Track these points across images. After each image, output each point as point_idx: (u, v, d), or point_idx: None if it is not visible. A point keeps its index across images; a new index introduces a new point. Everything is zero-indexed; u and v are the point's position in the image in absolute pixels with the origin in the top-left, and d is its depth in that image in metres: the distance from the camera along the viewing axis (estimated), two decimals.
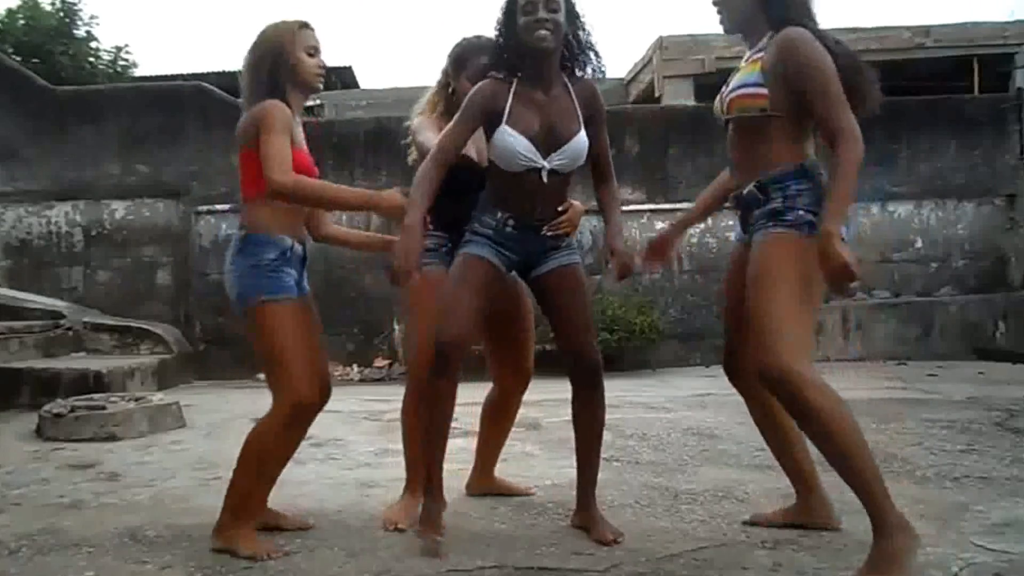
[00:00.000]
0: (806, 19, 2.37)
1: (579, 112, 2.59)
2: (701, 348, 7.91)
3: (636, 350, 7.22)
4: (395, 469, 3.45)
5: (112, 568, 2.46)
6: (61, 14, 14.91)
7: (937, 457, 3.62)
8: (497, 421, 3.10)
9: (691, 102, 10.91)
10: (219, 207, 7.81)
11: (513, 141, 2.51)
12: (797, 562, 2.35)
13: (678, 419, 4.66)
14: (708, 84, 12.27)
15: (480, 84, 2.59)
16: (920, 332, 7.93)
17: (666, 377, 6.94)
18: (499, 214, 2.58)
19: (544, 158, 2.53)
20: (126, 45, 24.12)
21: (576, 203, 2.69)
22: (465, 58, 2.88)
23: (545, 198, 2.58)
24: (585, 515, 2.67)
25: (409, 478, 2.91)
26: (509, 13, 2.56)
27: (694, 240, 8.00)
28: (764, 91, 2.32)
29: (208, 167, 7.82)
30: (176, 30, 48.69)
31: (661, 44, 12.72)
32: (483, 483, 3.14)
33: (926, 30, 12.41)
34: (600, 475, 3.07)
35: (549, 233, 2.61)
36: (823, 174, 2.30)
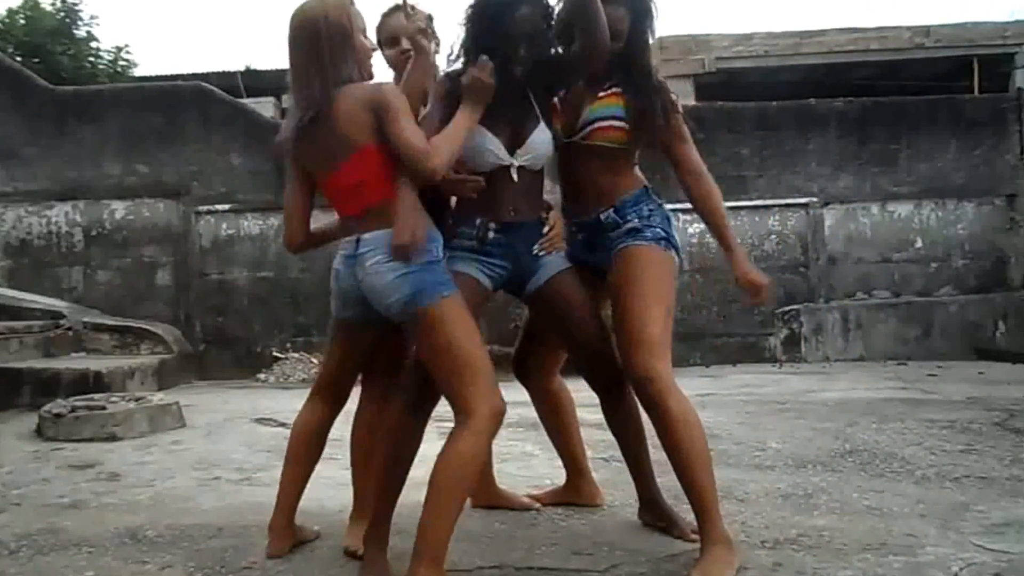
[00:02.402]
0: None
1: (536, 105, 2.49)
2: (701, 348, 7.92)
3: None
4: None
5: (112, 568, 2.46)
6: (61, 14, 14.91)
7: (937, 457, 3.62)
8: None
9: (691, 102, 10.90)
10: (219, 207, 7.81)
11: (482, 139, 2.40)
12: (797, 562, 2.35)
13: None
14: (708, 84, 12.31)
15: (445, 78, 2.47)
16: (920, 332, 7.94)
17: None
18: (478, 220, 2.43)
19: (511, 155, 2.44)
20: (126, 45, 24.04)
21: (556, 212, 2.60)
22: None
23: (520, 196, 2.47)
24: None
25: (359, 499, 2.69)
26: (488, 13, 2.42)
27: (694, 240, 8.01)
28: (625, 125, 2.54)
29: (208, 167, 7.82)
30: (176, 30, 48.69)
31: (661, 44, 12.71)
32: (486, 494, 2.95)
33: (926, 30, 12.41)
34: (600, 475, 3.09)
35: (540, 252, 2.51)
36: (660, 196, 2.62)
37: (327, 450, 2.67)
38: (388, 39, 2.65)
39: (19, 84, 8.01)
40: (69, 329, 6.86)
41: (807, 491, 3.11)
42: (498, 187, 2.43)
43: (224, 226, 7.82)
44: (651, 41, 2.63)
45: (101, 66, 15.02)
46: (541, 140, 2.47)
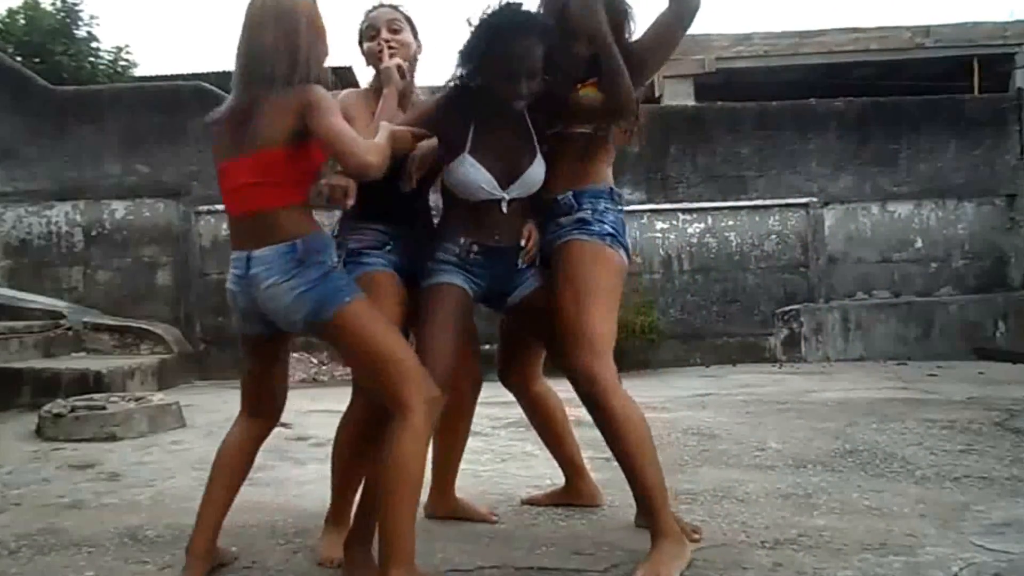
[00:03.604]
0: None
1: (535, 136, 2.49)
2: (701, 348, 7.92)
3: (636, 350, 7.22)
4: None
5: (112, 568, 2.47)
6: (61, 14, 14.89)
7: (937, 457, 3.62)
8: (455, 429, 2.82)
9: (691, 102, 10.91)
10: (219, 207, 7.78)
11: (475, 174, 2.39)
12: (797, 562, 2.35)
13: (678, 419, 4.65)
14: (708, 84, 12.32)
15: (447, 98, 2.47)
16: (920, 332, 7.94)
17: (666, 377, 6.94)
18: (462, 240, 2.43)
19: (503, 189, 2.42)
20: (126, 45, 24.03)
21: (531, 224, 2.56)
22: None
23: (506, 224, 2.46)
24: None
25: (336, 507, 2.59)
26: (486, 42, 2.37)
27: (694, 240, 8.01)
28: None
29: (208, 167, 7.73)
30: (176, 30, 48.70)
31: None
32: (444, 505, 2.88)
33: (926, 30, 12.43)
34: (600, 475, 3.09)
35: (523, 265, 2.51)
36: (622, 202, 2.57)
37: (328, 450, 2.65)
38: (368, 30, 2.64)
39: (19, 84, 8.00)
40: (69, 329, 6.86)
41: (807, 491, 3.11)
42: (486, 215, 2.44)
43: (224, 226, 7.79)
44: (631, 38, 2.54)
45: (101, 66, 15.00)
46: (536, 175, 2.47)
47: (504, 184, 2.42)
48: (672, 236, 8.01)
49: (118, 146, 7.82)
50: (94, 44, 15.31)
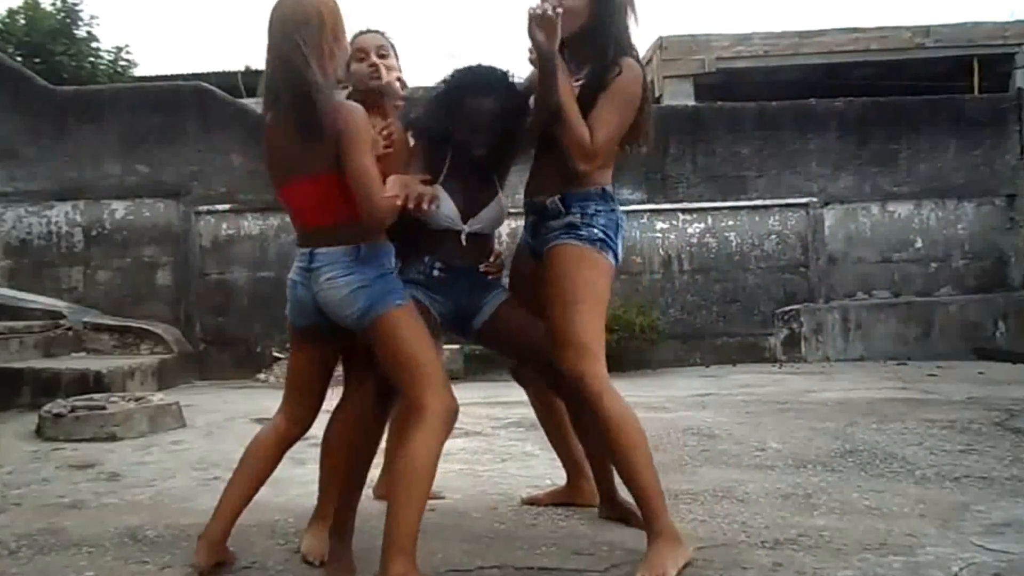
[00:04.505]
0: (633, 51, 2.53)
1: (496, 180, 2.65)
2: (701, 348, 7.92)
3: (636, 350, 7.22)
4: None
5: (112, 568, 2.47)
6: (62, 14, 14.91)
7: (937, 457, 3.62)
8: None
9: (691, 102, 10.91)
10: (219, 207, 7.80)
11: (444, 205, 2.52)
12: (797, 562, 2.35)
13: (678, 419, 4.66)
14: (708, 84, 12.33)
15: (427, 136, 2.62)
16: (920, 332, 7.94)
17: (666, 377, 6.94)
18: (426, 258, 2.56)
19: (464, 222, 2.56)
20: (126, 45, 24.09)
21: (498, 250, 2.74)
22: None
23: (468, 251, 2.59)
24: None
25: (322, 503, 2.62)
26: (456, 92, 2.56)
27: (694, 240, 8.01)
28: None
29: (208, 167, 7.81)
30: (176, 30, 48.70)
31: (661, 44, 12.74)
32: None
33: (926, 30, 12.43)
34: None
35: (483, 270, 2.63)
36: (616, 202, 2.56)
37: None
38: (357, 52, 2.75)
39: (19, 84, 8.00)
40: (69, 329, 6.86)
41: (807, 491, 3.11)
42: (448, 240, 2.57)
43: (224, 226, 7.82)
44: (619, 29, 2.52)
45: (101, 66, 15.02)
46: (494, 215, 2.64)
47: (465, 218, 2.58)
48: (672, 236, 8.01)
49: (118, 146, 7.82)
50: (94, 44, 15.34)
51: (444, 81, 2.62)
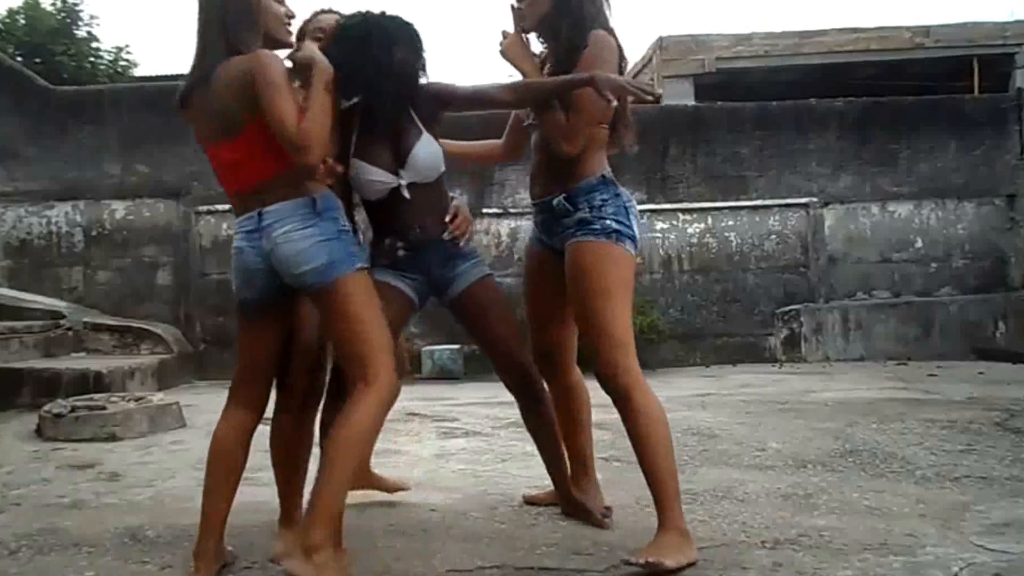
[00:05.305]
0: (604, 25, 2.52)
1: (416, 117, 2.52)
2: (701, 348, 7.92)
3: (636, 350, 7.20)
4: (394, 470, 3.46)
5: (112, 568, 2.47)
6: (62, 14, 14.89)
7: (937, 457, 3.62)
8: None
9: (691, 102, 10.91)
10: (219, 207, 7.78)
11: (363, 170, 2.48)
12: (797, 562, 2.35)
13: (678, 419, 4.65)
14: (708, 84, 12.32)
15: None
16: (920, 332, 7.94)
17: (666, 377, 6.94)
18: (386, 241, 2.54)
19: (395, 174, 2.49)
20: (126, 45, 24.06)
21: (459, 201, 2.64)
22: None
23: (422, 213, 2.52)
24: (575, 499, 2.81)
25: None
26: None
27: (694, 240, 8.01)
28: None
29: (208, 167, 7.72)
30: (176, 30, 48.68)
31: (661, 44, 12.73)
32: (358, 478, 2.70)
33: (926, 30, 12.42)
34: (601, 475, 3.09)
35: (449, 238, 2.55)
36: (618, 185, 2.58)
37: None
38: (314, 31, 2.68)
39: (19, 84, 8.00)
40: (69, 329, 6.86)
41: (807, 491, 3.11)
42: (396, 209, 2.52)
43: (224, 226, 7.81)
44: (581, 10, 2.50)
45: (101, 66, 15.00)
46: (426, 154, 2.51)
47: (394, 170, 2.49)
48: (672, 236, 8.02)
49: (118, 146, 7.82)
50: (94, 44, 15.31)
51: (342, 30, 2.49)
